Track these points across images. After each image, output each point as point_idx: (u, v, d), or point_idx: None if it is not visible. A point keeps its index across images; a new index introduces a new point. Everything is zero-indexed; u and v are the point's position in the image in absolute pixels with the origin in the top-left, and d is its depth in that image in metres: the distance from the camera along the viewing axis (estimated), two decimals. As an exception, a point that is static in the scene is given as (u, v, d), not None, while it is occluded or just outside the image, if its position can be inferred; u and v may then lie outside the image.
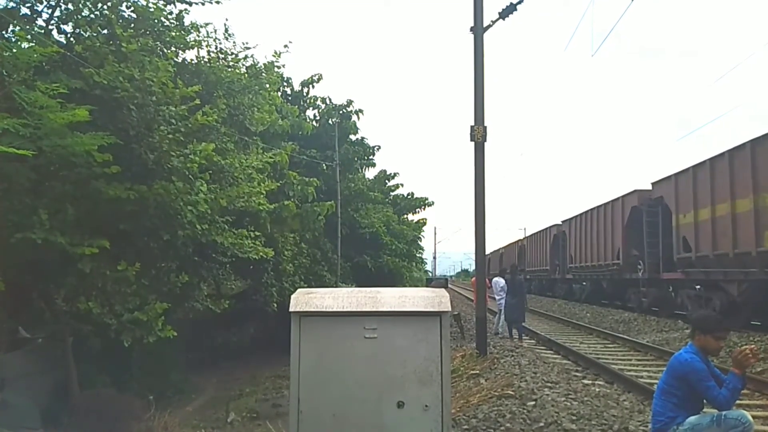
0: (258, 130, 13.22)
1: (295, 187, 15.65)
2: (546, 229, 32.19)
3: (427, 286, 18.83)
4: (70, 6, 9.65)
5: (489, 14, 11.48)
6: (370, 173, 25.77)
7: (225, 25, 14.33)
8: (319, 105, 21.86)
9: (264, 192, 12.03)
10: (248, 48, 12.78)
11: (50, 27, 9.81)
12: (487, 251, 14.07)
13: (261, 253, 11.80)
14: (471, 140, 10.85)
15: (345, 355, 4.28)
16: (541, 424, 6.17)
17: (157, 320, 8.82)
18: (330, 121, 21.66)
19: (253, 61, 13.17)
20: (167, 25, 10.48)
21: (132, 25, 9.79)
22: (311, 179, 16.64)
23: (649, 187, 18.55)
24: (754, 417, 4.56)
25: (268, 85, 13.33)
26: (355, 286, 13.87)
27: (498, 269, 32.78)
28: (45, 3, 9.67)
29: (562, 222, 28.49)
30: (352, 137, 22.57)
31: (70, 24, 9.96)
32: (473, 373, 9.42)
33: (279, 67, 13.88)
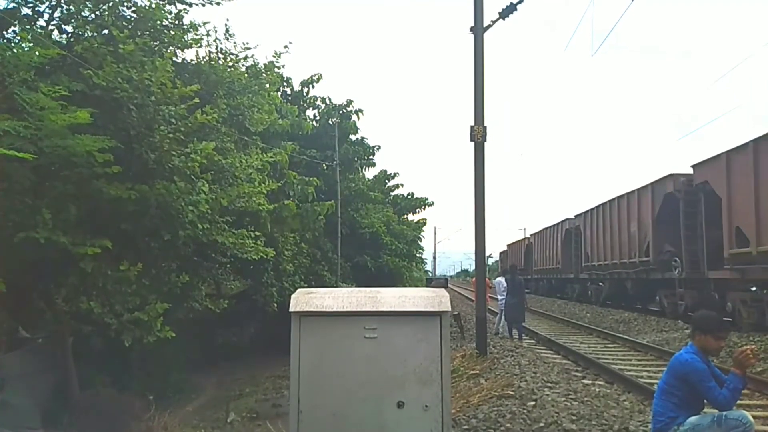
0: (258, 130, 13.22)
1: (295, 187, 15.66)
2: (520, 240, 42.70)
3: (427, 286, 18.87)
4: (71, 7, 9.65)
5: (489, 14, 11.46)
6: (370, 173, 25.85)
7: (226, 25, 14.34)
8: (318, 105, 21.88)
9: (264, 192, 12.03)
10: (248, 48, 12.78)
11: (51, 28, 9.81)
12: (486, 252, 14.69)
13: (261, 254, 11.80)
14: (471, 140, 10.85)
15: (345, 355, 4.28)
16: (541, 424, 6.16)
17: (157, 320, 8.83)
18: (330, 121, 21.67)
19: (254, 61, 13.18)
20: (166, 25, 10.48)
21: (131, 25, 9.78)
22: (311, 179, 16.65)
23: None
24: (754, 417, 4.55)
25: (268, 86, 13.33)
26: (355, 286, 13.87)
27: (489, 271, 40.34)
28: (46, 3, 9.67)
29: (531, 235, 37.79)
30: (352, 137, 22.59)
31: (71, 25, 9.96)
32: (473, 373, 9.41)
33: (279, 68, 13.90)
